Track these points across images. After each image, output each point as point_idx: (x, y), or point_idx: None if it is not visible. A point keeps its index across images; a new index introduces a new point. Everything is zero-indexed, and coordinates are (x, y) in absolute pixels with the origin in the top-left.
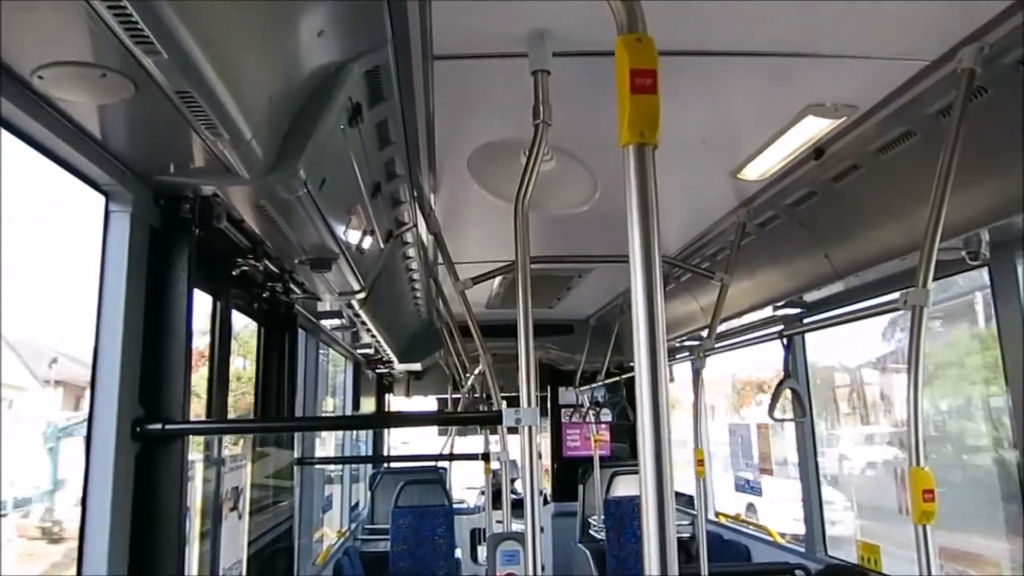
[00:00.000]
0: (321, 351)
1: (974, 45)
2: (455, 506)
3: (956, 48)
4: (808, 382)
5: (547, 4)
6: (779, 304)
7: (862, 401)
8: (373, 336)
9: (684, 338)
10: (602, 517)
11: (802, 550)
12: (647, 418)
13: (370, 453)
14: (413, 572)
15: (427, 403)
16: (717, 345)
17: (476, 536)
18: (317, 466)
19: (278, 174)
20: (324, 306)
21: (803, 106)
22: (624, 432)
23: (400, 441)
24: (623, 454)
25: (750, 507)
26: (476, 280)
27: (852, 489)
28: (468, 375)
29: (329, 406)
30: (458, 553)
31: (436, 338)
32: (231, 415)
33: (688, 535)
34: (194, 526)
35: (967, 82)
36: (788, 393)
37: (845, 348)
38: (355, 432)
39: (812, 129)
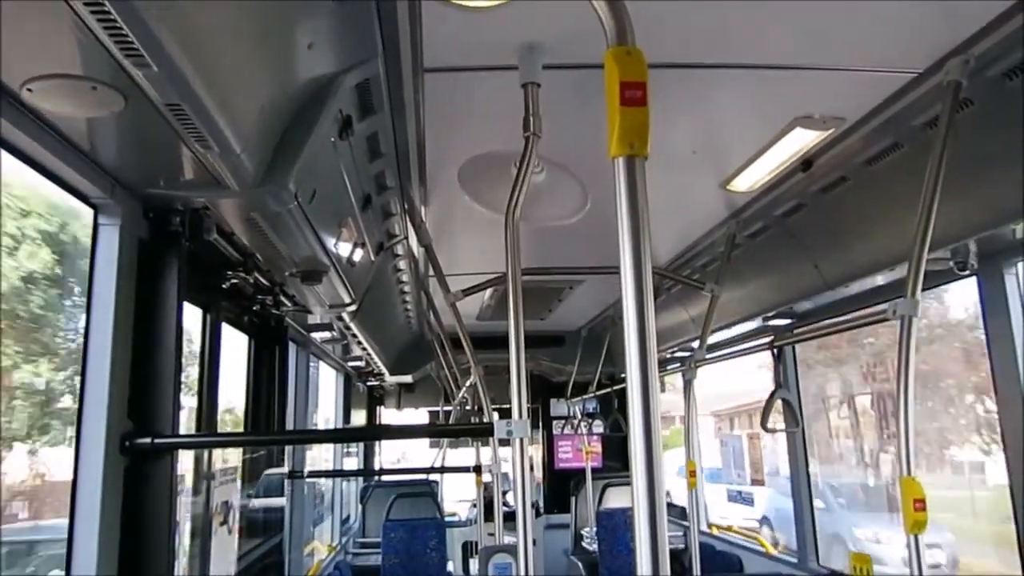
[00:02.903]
0: (312, 363)
1: (960, 57)
2: (447, 519)
3: (943, 60)
4: (799, 392)
5: (537, 17)
6: (769, 315)
7: None
8: (364, 349)
9: (675, 349)
10: (594, 529)
11: (794, 560)
12: (639, 429)
13: (361, 467)
14: None
15: (419, 415)
16: (708, 356)
17: (468, 549)
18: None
19: (268, 187)
20: (315, 319)
21: (792, 118)
22: (616, 444)
23: (391, 461)
24: (615, 466)
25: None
26: (467, 292)
27: None
28: (459, 387)
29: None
30: (450, 566)
31: (427, 350)
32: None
33: (681, 546)
34: (183, 541)
35: (953, 94)
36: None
37: None
38: (345, 447)
39: (801, 141)
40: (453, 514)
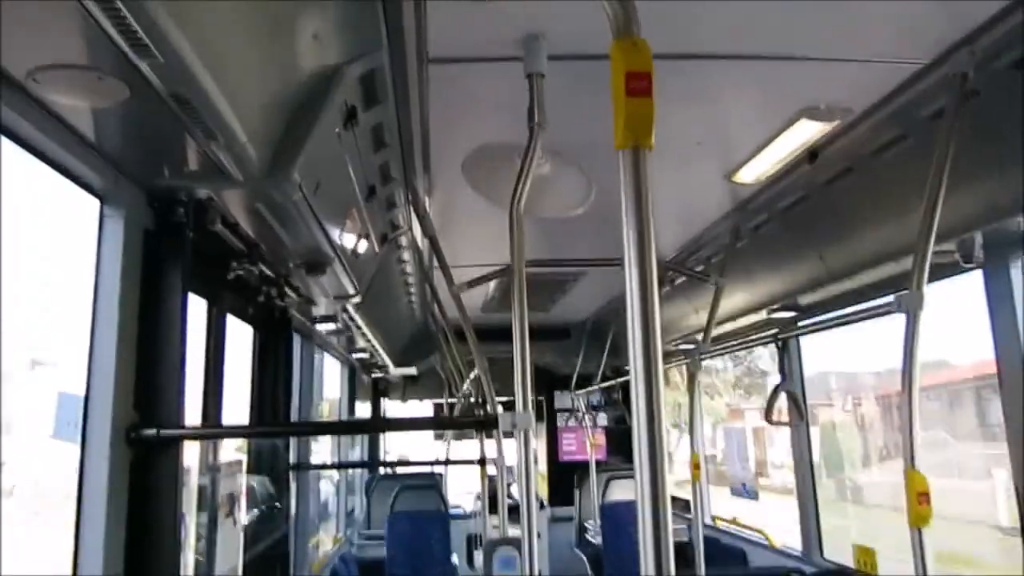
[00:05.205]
0: (317, 355)
1: (967, 49)
2: (451, 511)
3: (949, 52)
4: (804, 385)
5: (542, 7)
6: (774, 307)
7: None
8: (368, 340)
9: (679, 341)
10: (598, 522)
11: (798, 554)
12: (643, 421)
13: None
14: None
15: (423, 408)
16: (712, 348)
17: (472, 542)
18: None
19: (273, 178)
20: (319, 310)
21: (797, 109)
22: (621, 437)
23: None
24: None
25: None
26: (471, 284)
27: None
28: (464, 379)
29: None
30: (454, 559)
31: (431, 342)
32: None
33: (685, 539)
34: (189, 532)
35: (960, 85)
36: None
37: None
38: (351, 439)
39: (806, 132)
40: (457, 507)
